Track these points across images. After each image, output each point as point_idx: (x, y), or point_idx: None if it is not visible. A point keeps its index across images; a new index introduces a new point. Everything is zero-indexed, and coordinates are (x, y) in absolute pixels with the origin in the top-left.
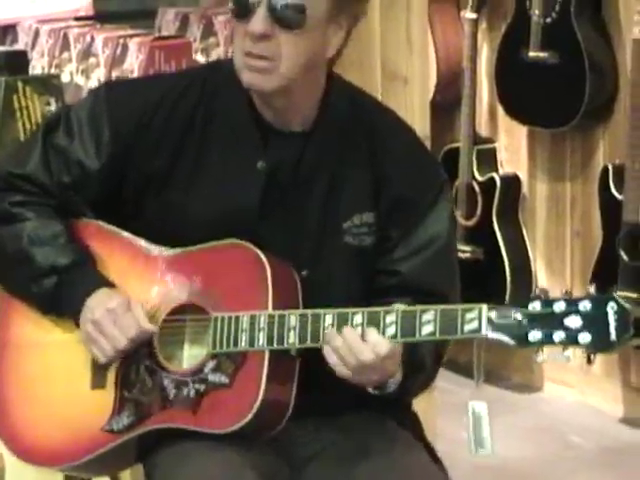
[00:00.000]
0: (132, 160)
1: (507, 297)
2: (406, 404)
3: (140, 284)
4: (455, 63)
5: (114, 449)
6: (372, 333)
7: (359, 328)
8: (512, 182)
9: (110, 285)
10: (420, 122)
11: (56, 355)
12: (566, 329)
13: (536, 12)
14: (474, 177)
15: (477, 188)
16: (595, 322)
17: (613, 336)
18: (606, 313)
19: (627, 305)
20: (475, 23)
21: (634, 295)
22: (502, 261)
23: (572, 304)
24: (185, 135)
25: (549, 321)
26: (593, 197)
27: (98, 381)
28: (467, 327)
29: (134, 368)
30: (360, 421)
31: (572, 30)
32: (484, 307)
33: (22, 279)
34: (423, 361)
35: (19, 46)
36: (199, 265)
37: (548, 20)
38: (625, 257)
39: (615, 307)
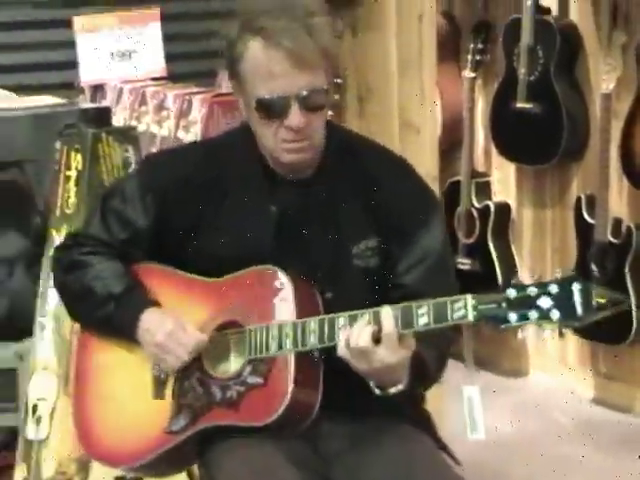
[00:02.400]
0: (170, 218)
1: None
2: (419, 403)
3: (188, 307)
4: (457, 113)
5: (175, 447)
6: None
7: (368, 327)
8: (503, 208)
9: (157, 304)
10: (430, 163)
11: (123, 374)
12: (538, 308)
13: (522, 71)
14: (472, 204)
15: (475, 213)
16: (563, 300)
17: (579, 311)
18: (571, 291)
19: (589, 283)
20: (473, 81)
21: (602, 300)
22: (495, 272)
23: (542, 287)
24: (208, 192)
25: (524, 303)
26: (569, 221)
27: (158, 393)
28: (456, 315)
29: (187, 379)
30: (376, 419)
31: (552, 86)
32: (469, 297)
33: (88, 310)
34: (428, 369)
35: (106, 102)
36: (231, 289)
37: (532, 78)
38: (595, 269)
39: (579, 286)
